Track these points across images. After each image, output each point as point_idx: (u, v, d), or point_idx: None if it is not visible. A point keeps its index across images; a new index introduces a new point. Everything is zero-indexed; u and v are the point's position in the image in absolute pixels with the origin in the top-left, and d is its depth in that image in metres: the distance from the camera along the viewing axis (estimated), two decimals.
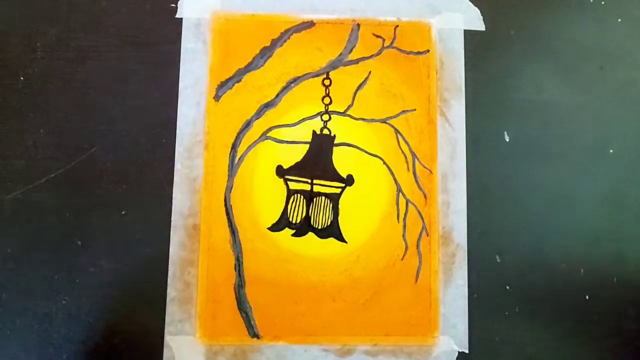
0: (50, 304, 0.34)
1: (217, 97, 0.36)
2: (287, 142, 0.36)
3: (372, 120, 0.36)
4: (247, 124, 0.36)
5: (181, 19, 0.36)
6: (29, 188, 0.35)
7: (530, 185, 0.37)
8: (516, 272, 0.36)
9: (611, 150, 0.38)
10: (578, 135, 0.38)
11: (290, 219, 0.35)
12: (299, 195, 0.35)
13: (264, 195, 0.35)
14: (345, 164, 0.36)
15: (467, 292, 0.35)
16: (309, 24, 0.37)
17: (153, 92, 0.36)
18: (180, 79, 0.35)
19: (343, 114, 0.36)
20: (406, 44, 0.37)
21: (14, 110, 0.35)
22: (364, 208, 0.36)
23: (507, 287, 0.36)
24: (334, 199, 0.36)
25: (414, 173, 0.36)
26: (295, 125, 0.36)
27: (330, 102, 0.36)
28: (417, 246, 0.36)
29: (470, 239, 0.36)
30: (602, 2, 0.39)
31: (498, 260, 0.36)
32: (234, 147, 0.35)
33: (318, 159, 0.36)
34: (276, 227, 0.35)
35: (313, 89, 0.36)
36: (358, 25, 0.37)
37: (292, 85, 0.36)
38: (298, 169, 0.36)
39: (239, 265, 0.34)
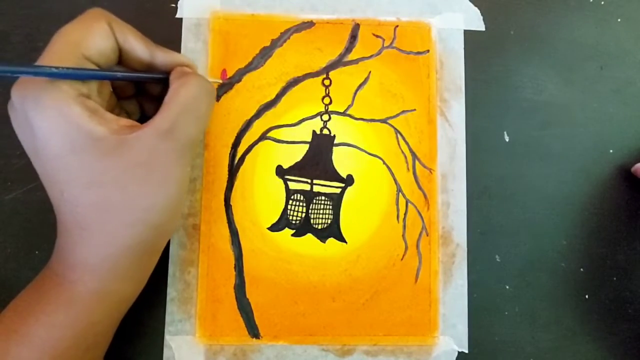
0: None
1: (217, 97, 0.36)
2: (287, 142, 0.36)
3: (372, 120, 0.36)
4: (247, 124, 0.36)
5: (181, 19, 0.36)
6: (29, 188, 0.35)
7: (530, 185, 0.37)
8: (516, 272, 0.36)
9: (611, 150, 0.38)
10: (578, 135, 0.38)
11: (290, 219, 0.35)
12: (299, 195, 0.36)
13: (264, 195, 0.35)
14: (345, 164, 0.36)
15: (467, 292, 0.35)
16: (309, 24, 0.37)
17: None
18: None
19: (343, 114, 0.36)
20: (406, 44, 0.37)
21: None
22: (364, 208, 0.36)
23: (507, 287, 0.36)
24: (334, 199, 0.36)
25: (414, 173, 0.36)
26: (295, 125, 0.36)
27: (330, 102, 0.36)
28: (417, 246, 0.36)
29: (470, 239, 0.36)
30: (602, 2, 0.39)
31: (498, 260, 0.36)
32: (234, 147, 0.35)
33: (318, 159, 0.36)
34: (276, 227, 0.35)
35: (313, 89, 0.36)
36: (358, 25, 0.37)
37: (292, 85, 0.36)
38: (298, 169, 0.36)
39: (239, 265, 0.34)
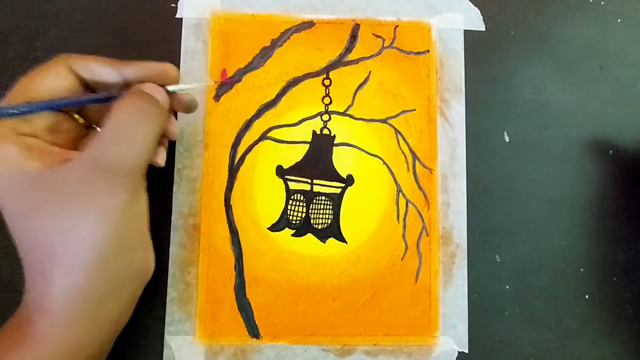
0: None
1: (217, 97, 0.36)
2: (287, 142, 0.36)
3: (372, 120, 0.36)
4: (247, 124, 0.36)
5: (181, 19, 0.36)
6: None
7: (530, 185, 0.37)
8: (516, 272, 0.36)
9: (611, 151, 0.38)
10: (578, 135, 0.38)
11: (290, 219, 0.35)
12: (299, 195, 0.36)
13: (264, 195, 0.35)
14: (345, 164, 0.36)
15: (467, 292, 0.35)
16: (309, 24, 0.37)
17: None
18: (180, 79, 0.35)
19: (343, 114, 0.36)
20: (406, 44, 0.37)
21: None
22: (364, 208, 0.36)
23: (507, 287, 0.36)
24: (334, 199, 0.36)
25: (414, 173, 0.36)
26: (295, 125, 0.36)
27: (330, 102, 0.36)
28: (417, 246, 0.36)
29: (470, 239, 0.36)
30: (602, 2, 0.39)
31: (498, 260, 0.36)
32: (234, 147, 0.35)
33: (318, 159, 0.36)
34: (276, 227, 0.35)
35: (313, 89, 0.36)
36: (358, 25, 0.37)
37: (292, 85, 0.36)
38: (298, 169, 0.36)
39: (239, 265, 0.34)
